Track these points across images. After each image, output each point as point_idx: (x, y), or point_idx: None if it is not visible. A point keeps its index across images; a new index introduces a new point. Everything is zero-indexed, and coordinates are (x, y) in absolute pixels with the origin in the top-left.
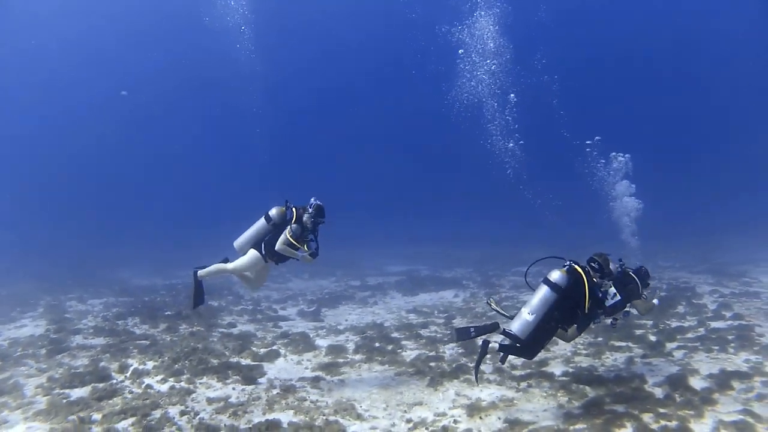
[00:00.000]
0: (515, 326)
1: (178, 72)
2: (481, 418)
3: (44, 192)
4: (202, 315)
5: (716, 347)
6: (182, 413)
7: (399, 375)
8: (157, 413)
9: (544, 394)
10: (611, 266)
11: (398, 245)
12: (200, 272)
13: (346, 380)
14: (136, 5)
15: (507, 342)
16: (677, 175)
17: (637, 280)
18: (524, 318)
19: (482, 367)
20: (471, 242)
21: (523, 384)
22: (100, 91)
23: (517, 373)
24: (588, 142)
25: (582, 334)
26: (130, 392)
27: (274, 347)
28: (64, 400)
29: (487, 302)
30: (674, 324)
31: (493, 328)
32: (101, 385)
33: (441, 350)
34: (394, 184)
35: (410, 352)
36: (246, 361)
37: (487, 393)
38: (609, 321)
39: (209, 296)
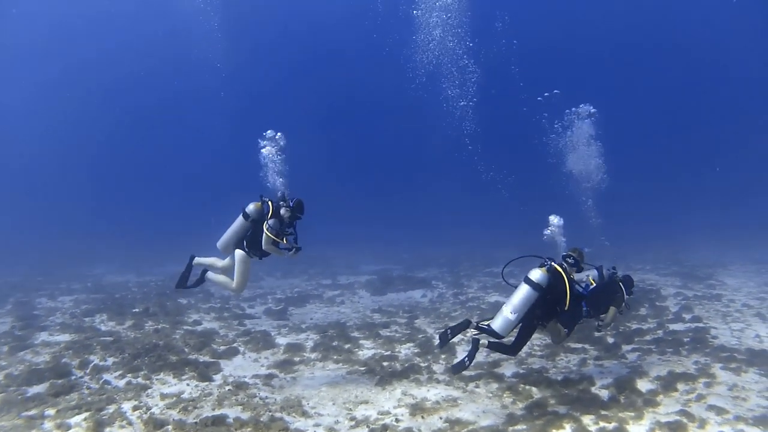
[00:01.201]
0: (497, 324)
1: (162, 72)
2: (423, 417)
3: (21, 186)
4: (169, 312)
5: (670, 349)
6: (135, 408)
7: (350, 374)
8: (111, 408)
9: (490, 395)
10: (604, 271)
11: (374, 244)
12: (196, 258)
13: (299, 378)
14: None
15: (493, 341)
16: (653, 177)
17: (623, 289)
18: (506, 316)
19: (433, 366)
20: (446, 240)
21: (471, 385)
22: (80, 83)
23: (467, 373)
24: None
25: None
26: (88, 388)
27: (234, 345)
28: (20, 397)
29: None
30: (634, 326)
31: (466, 325)
32: (60, 381)
33: (396, 350)
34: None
35: (366, 351)
36: (204, 358)
37: (433, 393)
38: (596, 323)
39: (182, 295)
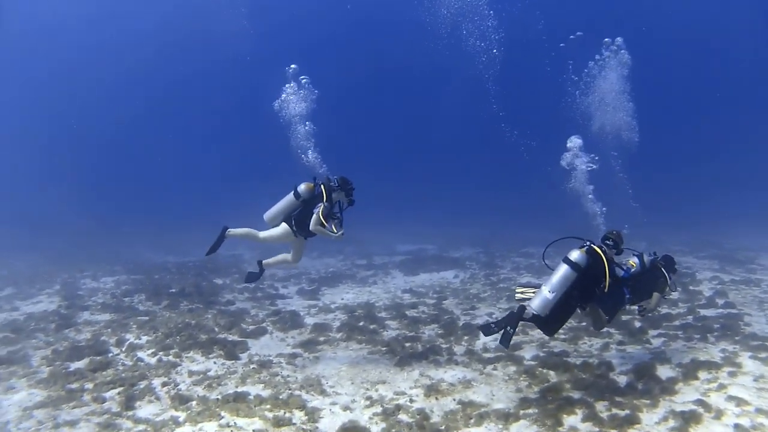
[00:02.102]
0: (535, 303)
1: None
2: (436, 398)
3: (69, 171)
4: (203, 292)
5: (697, 336)
6: (164, 384)
7: (372, 354)
8: (142, 384)
9: (506, 378)
10: (645, 258)
11: (412, 223)
12: (230, 230)
13: (321, 357)
14: None
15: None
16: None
17: (666, 273)
18: (544, 295)
19: (454, 348)
20: (483, 218)
21: (489, 367)
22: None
23: (486, 355)
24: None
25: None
26: (123, 365)
27: (263, 324)
28: (63, 371)
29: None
30: (664, 311)
31: (521, 313)
32: (98, 357)
33: (420, 331)
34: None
35: (391, 332)
36: (233, 338)
37: (450, 374)
38: (636, 308)
39: (217, 275)
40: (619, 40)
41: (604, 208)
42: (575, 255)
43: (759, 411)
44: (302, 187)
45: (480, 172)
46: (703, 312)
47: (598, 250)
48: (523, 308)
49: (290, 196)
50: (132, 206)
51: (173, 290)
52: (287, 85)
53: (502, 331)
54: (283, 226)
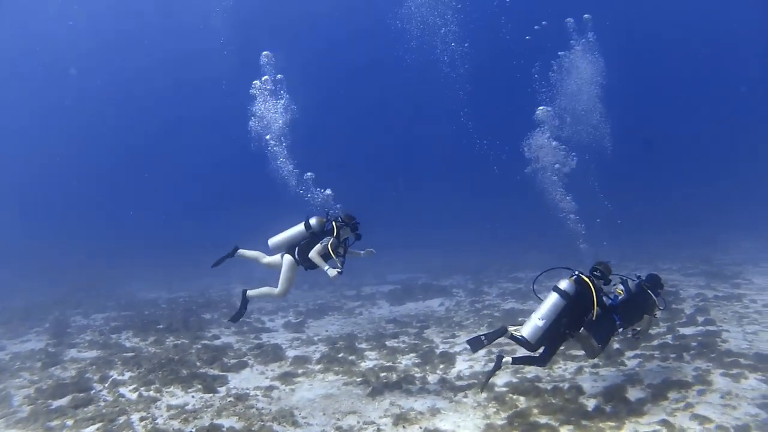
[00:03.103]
0: (526, 330)
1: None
2: (404, 427)
3: (58, 205)
4: (191, 327)
5: (673, 355)
6: (141, 419)
7: (346, 384)
8: (121, 419)
9: (475, 405)
10: (630, 283)
11: (405, 251)
12: (249, 292)
13: (297, 389)
14: None
15: (519, 355)
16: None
17: (653, 295)
18: (535, 323)
19: (428, 377)
20: (475, 246)
21: (460, 395)
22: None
23: (459, 383)
24: None
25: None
26: (104, 400)
27: (244, 358)
28: (45, 409)
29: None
30: (631, 329)
31: (502, 332)
32: (81, 394)
33: (398, 361)
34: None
35: (369, 362)
36: (214, 372)
37: (420, 403)
38: (630, 334)
39: (207, 309)
40: (587, 16)
41: (573, 202)
42: (564, 284)
43: (719, 428)
44: (314, 221)
45: (471, 195)
46: (683, 330)
47: (587, 280)
48: (501, 359)
49: (300, 226)
50: (126, 241)
51: (161, 326)
52: (258, 82)
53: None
54: (287, 260)
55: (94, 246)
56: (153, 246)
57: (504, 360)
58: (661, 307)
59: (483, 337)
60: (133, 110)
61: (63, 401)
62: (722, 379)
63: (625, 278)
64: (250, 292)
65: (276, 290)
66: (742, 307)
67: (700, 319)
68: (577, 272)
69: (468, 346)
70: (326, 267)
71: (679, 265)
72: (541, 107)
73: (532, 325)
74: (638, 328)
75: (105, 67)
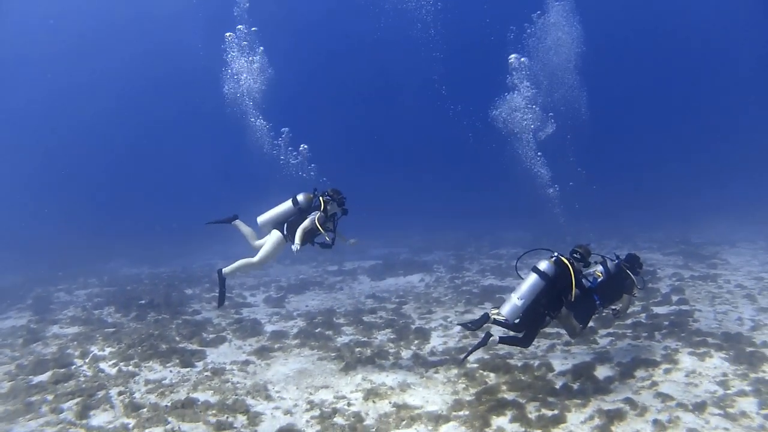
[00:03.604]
0: (505, 310)
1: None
2: (374, 402)
3: (42, 184)
4: (172, 303)
5: (645, 334)
6: (120, 393)
7: (321, 360)
8: (100, 393)
9: (445, 381)
10: (609, 264)
11: (390, 227)
12: (225, 269)
13: (272, 364)
14: None
15: (506, 334)
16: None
17: (631, 275)
18: (514, 303)
19: (401, 352)
20: (462, 221)
21: (431, 370)
22: (87, 77)
23: (432, 359)
24: None
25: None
26: (84, 376)
27: (223, 333)
28: (26, 385)
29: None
30: (611, 308)
31: (485, 320)
32: (62, 370)
33: (373, 336)
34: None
35: (345, 337)
36: (193, 347)
37: (392, 378)
38: (610, 312)
39: (189, 285)
40: None
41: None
42: (544, 265)
43: (680, 405)
44: (301, 197)
45: (458, 172)
46: (657, 309)
47: (566, 262)
48: (488, 336)
49: (288, 203)
50: (112, 216)
51: (143, 302)
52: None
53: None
54: (275, 234)
55: (75, 224)
56: (135, 225)
57: (491, 339)
58: (639, 287)
59: (470, 324)
60: (115, 95)
61: (43, 377)
62: (689, 357)
63: (604, 259)
64: (225, 269)
65: (254, 259)
66: (716, 287)
67: (675, 298)
68: (556, 254)
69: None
70: (297, 241)
71: (659, 244)
72: (513, 55)
73: (511, 304)
74: (617, 308)
75: (85, 59)
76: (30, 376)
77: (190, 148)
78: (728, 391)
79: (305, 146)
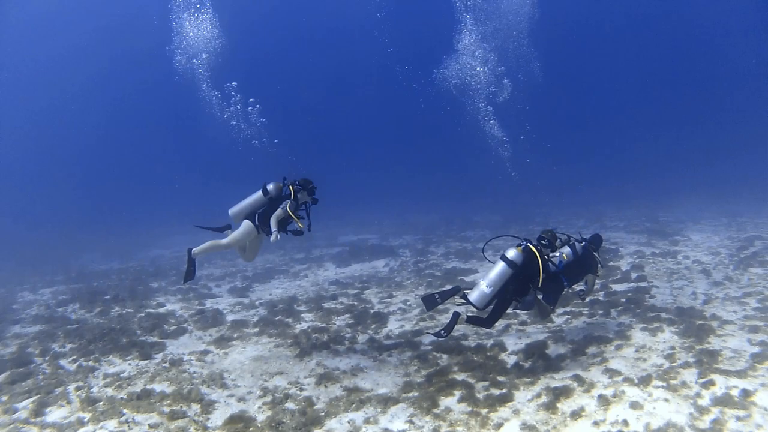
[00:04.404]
0: (473, 296)
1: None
2: (325, 386)
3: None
4: (137, 296)
5: (601, 311)
6: (77, 389)
7: (278, 347)
8: (58, 390)
9: (398, 364)
10: (576, 246)
11: (361, 213)
12: (194, 250)
13: (230, 353)
14: None
15: (473, 314)
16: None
17: (596, 256)
18: (482, 290)
19: (358, 337)
20: (431, 204)
21: (385, 354)
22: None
23: (387, 342)
24: None
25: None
26: (43, 373)
27: (184, 324)
28: None
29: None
30: (578, 288)
31: (455, 291)
32: (20, 369)
33: (332, 322)
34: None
35: (303, 324)
36: (153, 339)
37: (345, 362)
38: (578, 291)
39: (155, 278)
40: None
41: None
42: (512, 253)
43: (626, 380)
44: (271, 186)
45: (423, 153)
46: (616, 287)
47: (534, 250)
48: (457, 314)
49: (259, 193)
50: (82, 212)
51: (107, 297)
52: None
53: (438, 330)
54: (246, 223)
55: (42, 220)
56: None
57: (460, 317)
58: (601, 265)
59: (437, 295)
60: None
61: (0, 378)
62: (641, 333)
63: (569, 238)
64: (195, 250)
65: (223, 241)
66: (675, 264)
67: (634, 275)
68: (525, 241)
69: (423, 305)
70: (274, 230)
71: (626, 222)
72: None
73: (479, 291)
74: (583, 288)
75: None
76: None
77: (154, 130)
78: (674, 364)
79: (253, 100)
